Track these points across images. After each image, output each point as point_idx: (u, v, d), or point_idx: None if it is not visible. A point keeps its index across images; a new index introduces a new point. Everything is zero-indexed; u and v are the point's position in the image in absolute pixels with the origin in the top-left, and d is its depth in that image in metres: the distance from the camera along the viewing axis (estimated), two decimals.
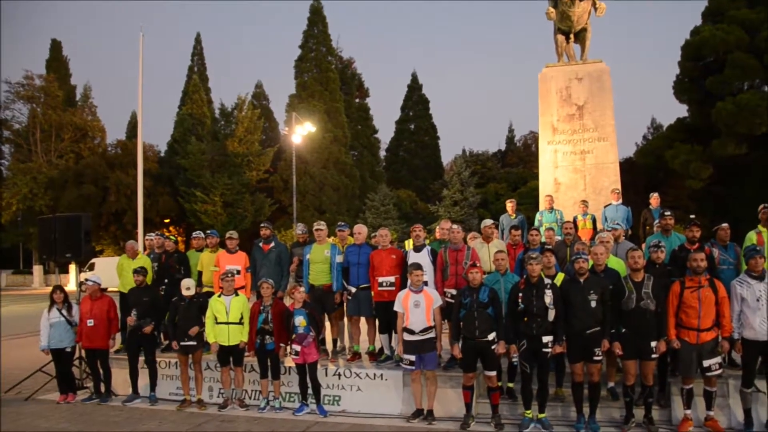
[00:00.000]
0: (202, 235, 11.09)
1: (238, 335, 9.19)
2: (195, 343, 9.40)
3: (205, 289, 10.41)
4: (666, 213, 9.55)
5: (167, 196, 45.48)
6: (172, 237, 11.35)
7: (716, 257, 8.50)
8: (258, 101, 53.88)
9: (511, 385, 8.72)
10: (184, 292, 9.42)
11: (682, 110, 41.46)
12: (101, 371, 10.11)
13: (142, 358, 9.94)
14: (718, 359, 7.56)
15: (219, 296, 9.33)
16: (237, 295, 9.38)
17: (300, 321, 8.79)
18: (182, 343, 9.39)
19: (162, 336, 10.56)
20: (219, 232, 11.09)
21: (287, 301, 9.63)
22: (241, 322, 9.21)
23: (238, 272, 10.03)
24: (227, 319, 9.15)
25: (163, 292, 10.35)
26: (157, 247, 11.04)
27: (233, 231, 10.82)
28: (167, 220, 46.51)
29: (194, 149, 43.43)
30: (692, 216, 9.56)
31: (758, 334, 7.40)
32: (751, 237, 8.50)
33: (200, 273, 10.59)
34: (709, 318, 7.46)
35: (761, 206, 8.67)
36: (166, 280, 10.52)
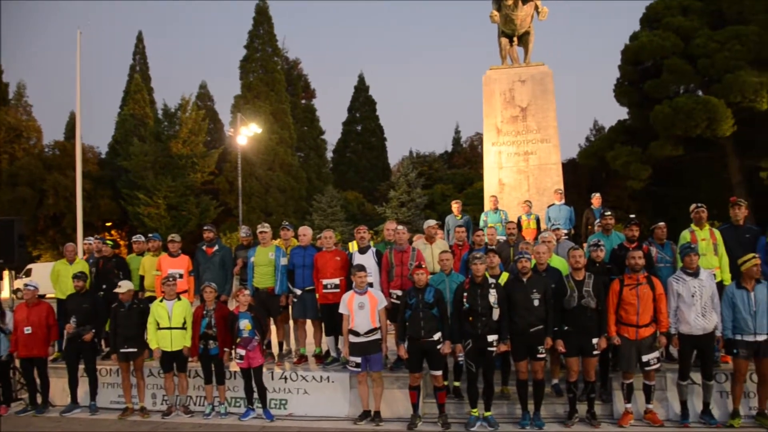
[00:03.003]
0: (143, 238, 10.89)
1: (181, 340, 9.04)
2: (136, 349, 9.19)
3: (147, 294, 10.23)
4: (606, 213, 9.79)
5: (109, 198, 44.24)
6: (110, 242, 11.04)
7: (654, 255, 8.76)
8: (202, 102, 53.01)
9: (457, 384, 8.80)
10: (117, 289, 9.21)
11: (622, 112, 42.51)
12: (38, 381, 9.75)
13: (81, 367, 9.64)
14: (657, 354, 7.84)
15: (161, 301, 9.16)
16: (179, 299, 9.22)
17: (245, 325, 8.72)
18: (122, 350, 9.16)
19: (103, 343, 10.25)
20: (163, 235, 10.87)
21: (232, 305, 9.50)
22: (183, 327, 9.07)
23: (181, 276, 9.89)
24: (169, 324, 9.00)
25: (101, 298, 10.03)
26: (96, 252, 10.74)
27: (176, 234, 10.65)
28: (109, 224, 45.22)
29: (137, 150, 42.35)
30: (632, 216, 9.81)
31: (693, 329, 7.68)
32: (685, 236, 8.77)
33: (142, 277, 10.38)
34: (647, 314, 7.71)
35: (693, 206, 8.95)
36: (104, 286, 10.22)
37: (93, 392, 9.62)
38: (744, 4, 29.57)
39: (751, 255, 7.73)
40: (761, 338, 7.52)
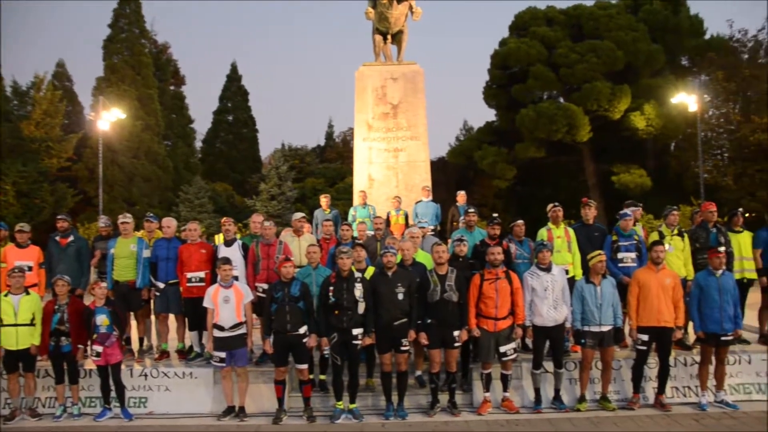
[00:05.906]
0: None
1: (29, 338, 8.40)
2: None
3: None
4: (470, 210, 10.18)
5: None
6: None
7: (513, 252, 9.21)
8: (60, 82, 49.36)
9: (322, 377, 8.83)
10: None
11: (490, 114, 44.47)
12: None
13: None
14: (513, 345, 8.28)
15: (6, 295, 8.45)
16: (27, 293, 8.55)
17: (102, 320, 8.32)
18: None
19: None
20: (11, 224, 10.04)
21: (88, 299, 8.98)
22: (32, 324, 8.43)
23: (30, 269, 9.23)
24: (15, 320, 8.33)
25: None
26: None
27: (25, 224, 9.91)
28: None
29: None
30: (495, 214, 10.27)
31: (545, 321, 8.18)
32: (542, 233, 9.31)
33: None
34: (505, 307, 8.10)
35: (550, 205, 9.53)
36: None
37: None
38: (600, 21, 31.92)
39: (597, 252, 8.36)
40: (605, 329, 8.15)
